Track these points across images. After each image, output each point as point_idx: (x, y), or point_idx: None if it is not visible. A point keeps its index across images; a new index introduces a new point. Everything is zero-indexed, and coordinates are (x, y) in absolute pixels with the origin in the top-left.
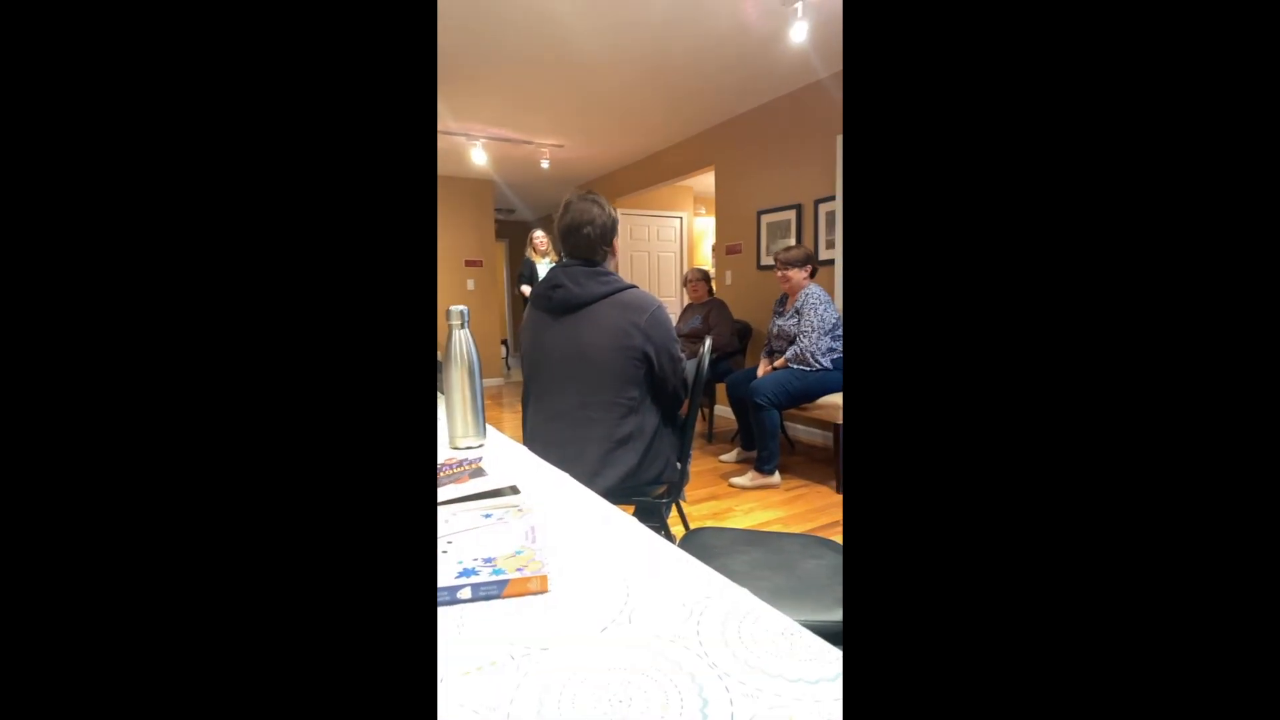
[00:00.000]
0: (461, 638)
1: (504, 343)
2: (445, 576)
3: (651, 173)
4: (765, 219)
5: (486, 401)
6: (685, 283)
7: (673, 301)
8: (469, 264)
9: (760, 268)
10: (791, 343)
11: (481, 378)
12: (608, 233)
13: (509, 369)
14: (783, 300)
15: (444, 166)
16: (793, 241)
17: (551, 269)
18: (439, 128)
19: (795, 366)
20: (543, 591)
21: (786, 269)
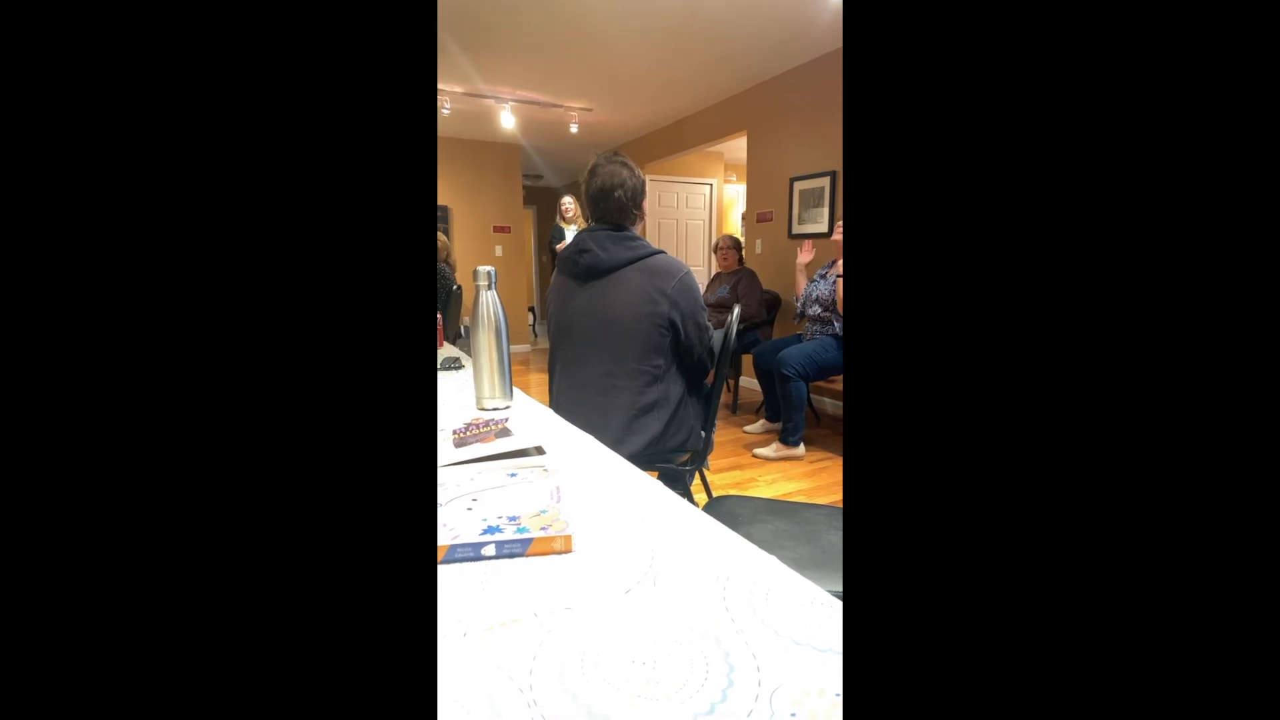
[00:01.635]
0: (485, 594)
1: (531, 309)
2: (470, 533)
3: (681, 138)
4: (798, 186)
5: (513, 368)
6: (715, 250)
7: (700, 270)
8: (497, 230)
9: (792, 236)
10: (826, 309)
11: (509, 341)
12: (638, 195)
13: (536, 336)
14: (831, 264)
15: (472, 130)
16: (826, 210)
17: (578, 234)
18: (468, 90)
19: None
20: (567, 551)
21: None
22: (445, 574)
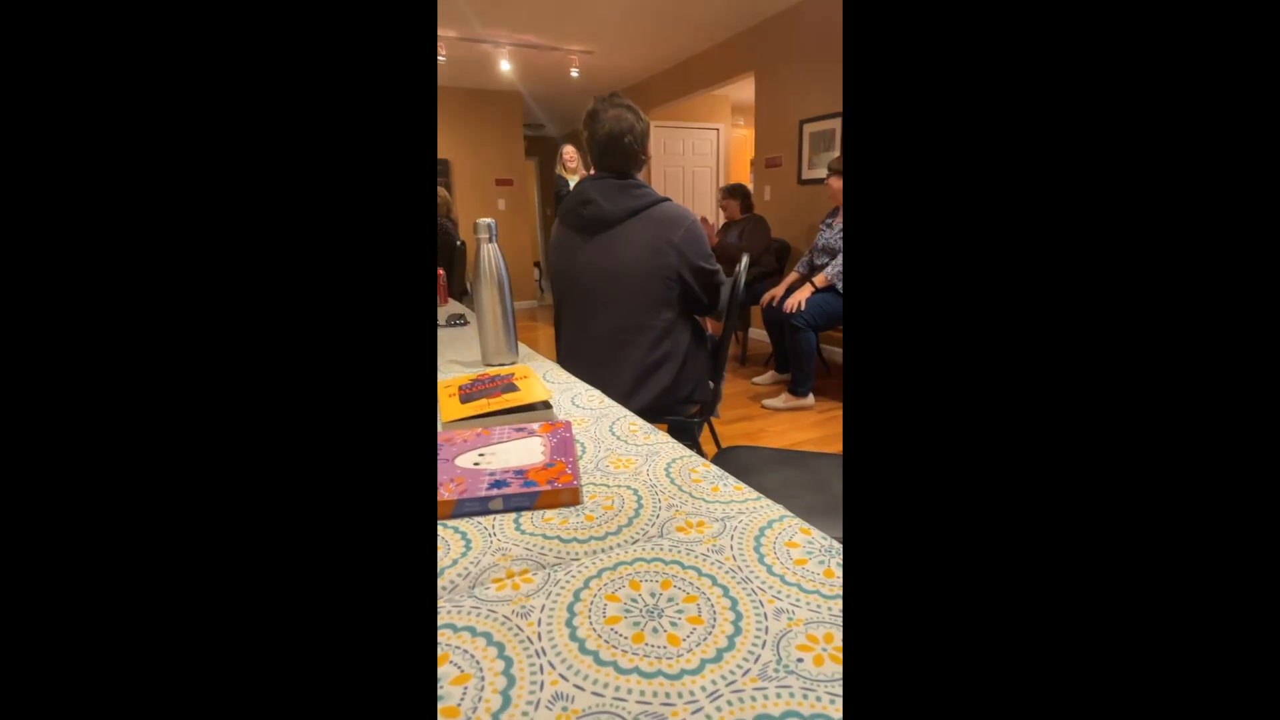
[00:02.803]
0: (493, 546)
1: (537, 264)
2: (478, 487)
3: (686, 80)
4: (808, 129)
5: (519, 324)
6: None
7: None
8: (499, 183)
9: (801, 182)
10: (834, 258)
11: (512, 295)
12: (645, 139)
13: (542, 291)
14: (834, 213)
15: (469, 79)
16: (837, 153)
17: (580, 184)
18: (464, 34)
19: (833, 281)
20: (574, 504)
21: (831, 176)
22: (454, 527)
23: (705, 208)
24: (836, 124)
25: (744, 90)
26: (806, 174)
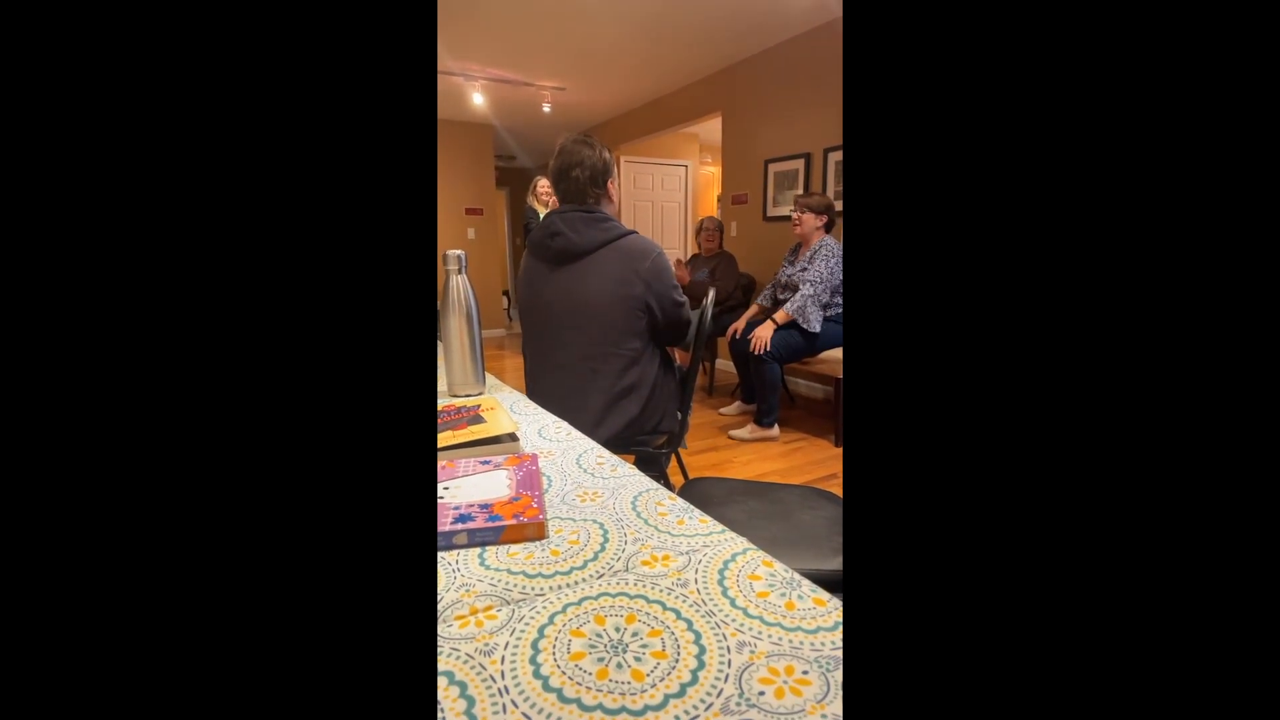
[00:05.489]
0: (457, 582)
1: (505, 293)
2: (441, 522)
3: (656, 119)
4: (773, 168)
5: (488, 352)
6: (699, 231)
7: (676, 253)
8: (469, 212)
9: (766, 219)
10: (795, 293)
11: (480, 326)
12: (598, 175)
13: (511, 319)
14: (795, 250)
15: (442, 110)
16: (800, 192)
17: (548, 215)
18: (438, 68)
19: (794, 316)
20: (540, 538)
21: (802, 212)
22: None
23: (674, 241)
24: (799, 164)
25: (712, 130)
26: (771, 211)
